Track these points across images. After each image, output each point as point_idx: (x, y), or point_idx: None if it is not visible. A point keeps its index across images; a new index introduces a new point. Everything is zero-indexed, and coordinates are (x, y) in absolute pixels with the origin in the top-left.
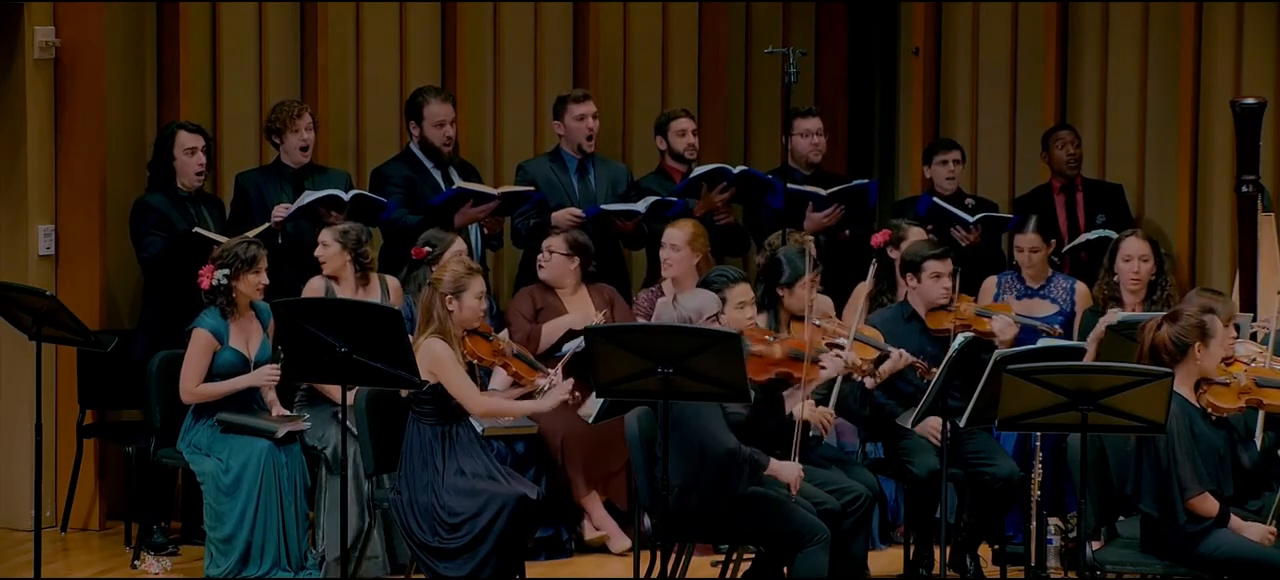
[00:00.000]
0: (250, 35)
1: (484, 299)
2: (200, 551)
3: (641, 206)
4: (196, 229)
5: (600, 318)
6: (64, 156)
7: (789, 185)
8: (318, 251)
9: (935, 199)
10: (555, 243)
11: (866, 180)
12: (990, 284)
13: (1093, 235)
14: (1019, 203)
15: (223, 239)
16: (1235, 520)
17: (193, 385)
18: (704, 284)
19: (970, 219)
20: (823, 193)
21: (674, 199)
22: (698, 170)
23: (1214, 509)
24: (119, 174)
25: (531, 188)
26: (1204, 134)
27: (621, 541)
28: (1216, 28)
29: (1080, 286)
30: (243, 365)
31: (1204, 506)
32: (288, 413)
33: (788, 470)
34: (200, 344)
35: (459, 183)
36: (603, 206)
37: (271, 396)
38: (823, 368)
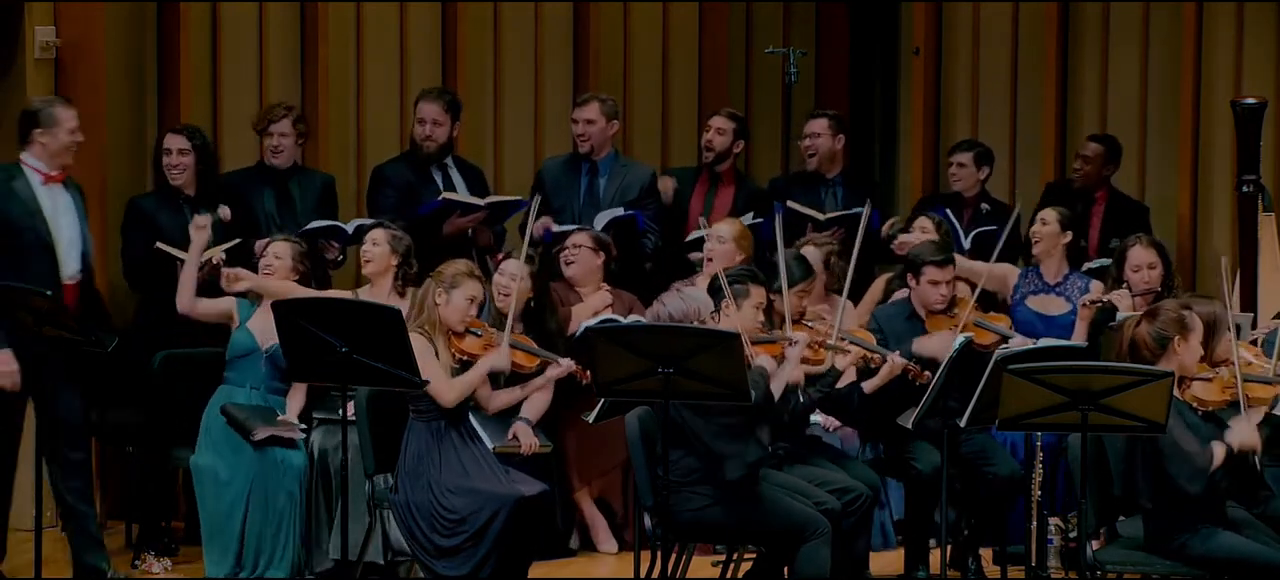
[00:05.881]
0: (250, 35)
1: (475, 304)
2: (200, 551)
3: (598, 227)
4: (159, 245)
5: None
6: None
7: (788, 204)
8: (364, 249)
9: (947, 212)
10: (580, 238)
11: (865, 209)
12: (1013, 276)
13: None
14: (1049, 187)
15: (183, 255)
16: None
17: (185, 300)
18: (730, 283)
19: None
20: (820, 217)
21: (633, 211)
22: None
23: (1223, 454)
24: (119, 174)
25: (518, 197)
26: (1204, 134)
27: (610, 542)
28: (1216, 28)
29: (1096, 286)
30: (256, 352)
31: (1219, 458)
32: (292, 422)
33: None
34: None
35: (445, 194)
36: (554, 229)
37: (295, 399)
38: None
